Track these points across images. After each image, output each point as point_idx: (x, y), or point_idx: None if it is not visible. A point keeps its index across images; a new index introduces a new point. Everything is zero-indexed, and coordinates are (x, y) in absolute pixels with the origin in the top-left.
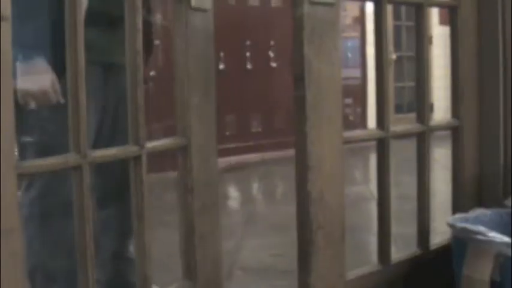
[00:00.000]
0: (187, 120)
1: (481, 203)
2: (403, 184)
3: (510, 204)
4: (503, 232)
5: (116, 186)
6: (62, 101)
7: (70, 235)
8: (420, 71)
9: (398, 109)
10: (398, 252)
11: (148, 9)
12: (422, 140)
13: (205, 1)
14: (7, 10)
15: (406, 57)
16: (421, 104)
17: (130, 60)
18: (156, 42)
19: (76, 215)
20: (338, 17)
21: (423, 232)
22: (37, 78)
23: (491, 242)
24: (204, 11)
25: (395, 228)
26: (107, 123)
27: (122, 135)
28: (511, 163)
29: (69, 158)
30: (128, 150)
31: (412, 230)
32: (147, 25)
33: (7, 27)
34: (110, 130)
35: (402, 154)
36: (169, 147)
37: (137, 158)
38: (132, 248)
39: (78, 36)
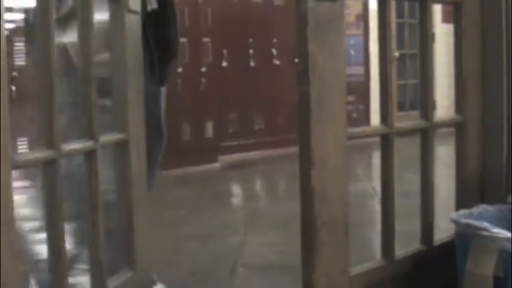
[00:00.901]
0: (126, 115)
1: (484, 199)
2: (405, 181)
3: None
4: (506, 228)
5: None
6: None
7: None
8: (424, 67)
9: (401, 107)
10: (401, 249)
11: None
12: (426, 136)
13: (137, 4)
14: None
15: (408, 54)
16: (425, 100)
17: (83, 57)
18: None
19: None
20: (342, 13)
21: (427, 228)
22: None
23: (494, 238)
24: (136, 13)
25: (397, 225)
26: None
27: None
28: None
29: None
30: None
31: (414, 227)
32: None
33: None
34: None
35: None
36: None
37: (92, 152)
38: None
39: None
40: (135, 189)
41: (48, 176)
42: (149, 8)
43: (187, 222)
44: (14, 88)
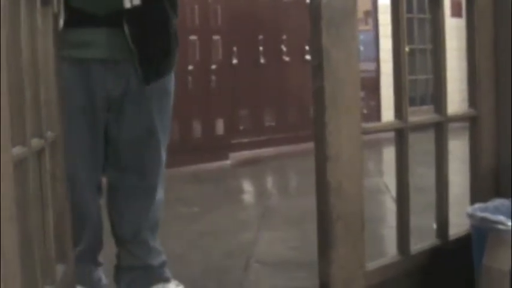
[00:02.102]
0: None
1: (499, 193)
2: (418, 176)
3: None
4: None
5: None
6: None
7: None
8: (437, 61)
9: (411, 102)
10: (415, 244)
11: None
12: (440, 130)
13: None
14: None
15: (418, 50)
16: (438, 94)
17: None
18: None
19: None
20: (355, 6)
21: (442, 222)
22: None
23: (511, 232)
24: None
25: (411, 221)
26: (112, 118)
27: (129, 129)
28: None
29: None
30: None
31: (427, 222)
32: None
33: None
34: (116, 125)
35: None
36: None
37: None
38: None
39: None
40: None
41: None
42: (128, 5)
43: (200, 219)
44: None
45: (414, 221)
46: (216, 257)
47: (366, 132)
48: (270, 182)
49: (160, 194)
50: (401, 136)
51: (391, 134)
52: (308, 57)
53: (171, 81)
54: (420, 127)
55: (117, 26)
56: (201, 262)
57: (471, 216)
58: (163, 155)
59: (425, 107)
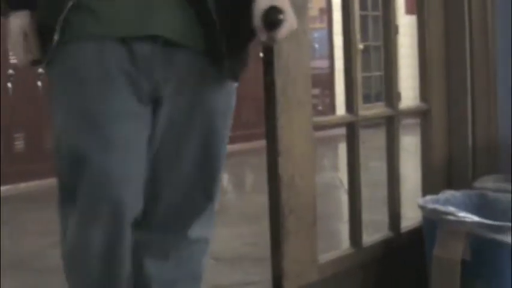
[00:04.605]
0: None
1: (450, 185)
2: (373, 172)
3: (479, 186)
4: (473, 213)
5: None
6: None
7: None
8: (388, 57)
9: (366, 99)
10: (370, 237)
11: None
12: (392, 124)
13: None
14: None
15: (372, 47)
16: (389, 88)
17: None
18: None
19: None
20: (306, 2)
21: (394, 215)
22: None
23: (461, 222)
24: None
25: (366, 215)
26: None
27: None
28: (479, 145)
29: None
30: None
31: (382, 216)
32: None
33: None
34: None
35: (371, 143)
36: None
37: None
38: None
39: None
40: None
41: None
42: None
43: None
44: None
45: (369, 215)
46: None
47: (317, 126)
48: (225, 178)
49: None
50: (352, 130)
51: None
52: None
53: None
54: (372, 121)
55: None
56: None
57: (422, 208)
58: None
59: (379, 104)
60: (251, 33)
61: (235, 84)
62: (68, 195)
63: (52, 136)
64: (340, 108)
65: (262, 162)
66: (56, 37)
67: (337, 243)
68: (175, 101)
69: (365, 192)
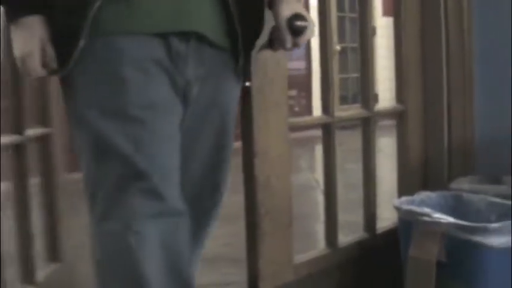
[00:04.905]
0: None
1: (426, 186)
2: (349, 173)
3: (455, 187)
4: (448, 214)
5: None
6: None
7: None
8: (365, 58)
9: (343, 100)
10: (346, 238)
11: None
12: (367, 125)
13: None
14: None
15: (350, 48)
16: (365, 90)
17: None
18: None
19: None
20: None
21: (369, 216)
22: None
23: (436, 223)
24: None
25: (342, 216)
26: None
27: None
28: (455, 146)
29: None
30: None
31: (358, 218)
32: None
33: None
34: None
35: (347, 145)
36: None
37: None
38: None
39: None
40: None
41: None
42: None
43: None
44: None
45: (345, 216)
46: None
47: (293, 127)
48: None
49: None
50: (328, 131)
51: None
52: None
53: None
54: (349, 123)
55: None
56: None
57: (398, 209)
58: None
59: (356, 105)
60: (258, 34)
61: (247, 84)
62: (108, 199)
63: (79, 140)
64: (318, 110)
65: (237, 163)
66: (81, 43)
67: (313, 243)
68: (197, 99)
69: (342, 194)
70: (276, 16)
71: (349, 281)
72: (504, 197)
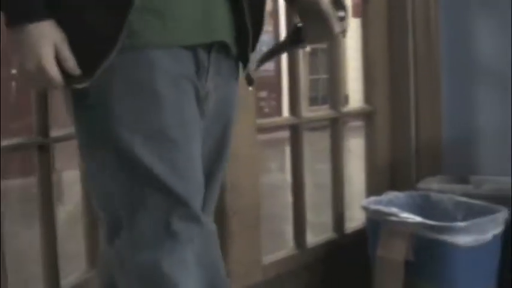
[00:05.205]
0: None
1: (394, 186)
2: (318, 174)
3: (423, 187)
4: (416, 214)
5: None
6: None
7: None
8: (334, 59)
9: (313, 101)
10: (315, 238)
11: None
12: (336, 126)
13: None
14: None
15: (320, 49)
16: (334, 90)
17: None
18: None
19: None
20: None
21: (338, 216)
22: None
23: (404, 223)
24: None
25: (311, 217)
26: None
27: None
28: (423, 147)
29: None
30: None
31: (328, 218)
32: None
33: None
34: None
35: (316, 146)
36: None
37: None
38: None
39: None
40: None
41: None
42: None
43: None
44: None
45: (315, 216)
46: None
47: (261, 128)
48: None
49: None
50: (296, 132)
51: None
52: None
53: None
54: (318, 124)
55: None
56: None
57: (365, 209)
58: None
59: (326, 106)
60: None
61: (250, 88)
62: (146, 227)
63: (100, 158)
64: (287, 111)
65: None
66: (113, 55)
67: (282, 244)
68: (209, 108)
69: (311, 194)
70: (316, 3)
71: (318, 281)
72: (471, 196)
